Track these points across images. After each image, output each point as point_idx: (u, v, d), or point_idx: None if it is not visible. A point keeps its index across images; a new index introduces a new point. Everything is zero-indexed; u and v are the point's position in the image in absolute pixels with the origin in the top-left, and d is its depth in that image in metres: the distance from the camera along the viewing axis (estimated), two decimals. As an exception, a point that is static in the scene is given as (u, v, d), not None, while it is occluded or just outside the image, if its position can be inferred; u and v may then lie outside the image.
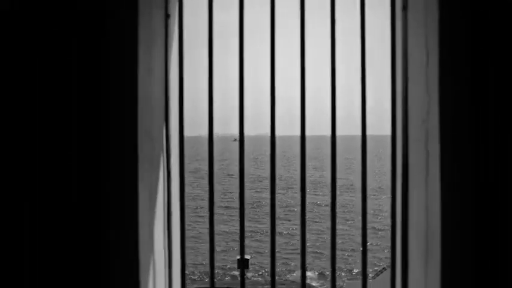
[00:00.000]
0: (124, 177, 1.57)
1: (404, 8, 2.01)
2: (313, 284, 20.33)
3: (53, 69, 1.65)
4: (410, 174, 1.93)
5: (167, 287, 1.92)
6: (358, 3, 2.07)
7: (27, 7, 1.65)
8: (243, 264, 2.31)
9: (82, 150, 1.58)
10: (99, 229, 1.58)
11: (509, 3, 1.69)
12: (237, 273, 21.13)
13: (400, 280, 1.92)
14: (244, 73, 1.96)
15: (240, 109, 1.95)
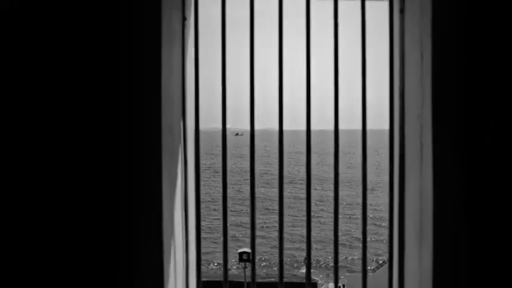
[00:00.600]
0: (150, 167, 1.75)
1: (402, 11, 2.18)
2: (314, 278, 20.54)
3: (78, 68, 1.81)
4: (406, 165, 2.11)
5: (185, 264, 2.11)
6: (359, 5, 2.24)
7: (40, 7, 1.81)
8: (253, 256, 2.41)
9: (113, 144, 1.76)
10: (131, 212, 1.76)
11: (498, 7, 1.85)
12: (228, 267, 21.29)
13: (397, 260, 2.11)
14: (254, 73, 2.14)
15: (250, 109, 2.12)
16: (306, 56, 2.18)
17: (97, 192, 1.75)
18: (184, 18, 2.10)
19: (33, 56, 1.79)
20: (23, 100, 1.79)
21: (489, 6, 1.84)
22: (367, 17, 2.29)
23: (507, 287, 1.81)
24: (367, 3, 2.26)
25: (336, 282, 2.28)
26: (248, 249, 19.13)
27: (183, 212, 2.13)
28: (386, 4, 2.25)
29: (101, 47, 1.80)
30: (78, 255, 1.77)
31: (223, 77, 2.09)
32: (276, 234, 26.61)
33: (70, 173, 1.77)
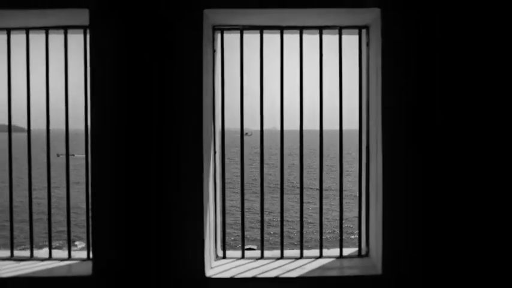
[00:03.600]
0: (197, 155, 2.64)
1: (368, 44, 3.05)
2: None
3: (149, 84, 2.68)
4: (370, 152, 2.99)
5: (214, 226, 2.99)
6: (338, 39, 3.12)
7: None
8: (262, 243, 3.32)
9: (172, 140, 2.64)
10: (189, 187, 2.64)
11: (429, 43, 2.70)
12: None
13: (365, 215, 3.01)
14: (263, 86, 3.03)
15: (260, 121, 3.00)
16: (299, 74, 3.07)
17: (165, 178, 2.64)
18: (214, 51, 2.99)
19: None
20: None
21: (424, 44, 2.71)
22: (344, 46, 3.17)
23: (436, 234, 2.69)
24: (343, 37, 3.14)
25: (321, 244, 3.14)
26: (253, 246, 20.05)
27: (214, 189, 3.01)
28: (356, 38, 3.13)
29: (163, 75, 2.68)
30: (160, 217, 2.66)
31: (242, 103, 2.98)
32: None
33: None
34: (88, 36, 2.79)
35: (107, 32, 2.65)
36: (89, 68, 2.69)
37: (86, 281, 2.72)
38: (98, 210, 2.66)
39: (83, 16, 2.75)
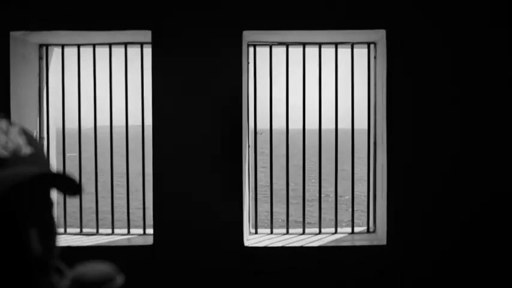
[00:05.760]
0: (241, 149, 3.29)
1: (375, 57, 3.69)
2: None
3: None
4: (377, 149, 3.63)
5: (249, 209, 3.64)
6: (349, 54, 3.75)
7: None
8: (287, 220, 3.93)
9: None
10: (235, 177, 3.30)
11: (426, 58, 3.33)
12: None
13: (373, 201, 3.64)
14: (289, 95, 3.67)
15: (286, 124, 3.64)
16: (318, 84, 3.71)
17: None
18: (248, 63, 3.64)
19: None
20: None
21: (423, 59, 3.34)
22: (356, 59, 3.81)
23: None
24: (355, 51, 3.78)
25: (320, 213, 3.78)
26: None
27: (248, 178, 3.66)
28: (365, 52, 3.77)
29: (210, 82, 3.33)
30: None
31: (271, 106, 3.63)
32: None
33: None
34: (150, 50, 3.43)
35: (166, 48, 3.31)
36: (149, 77, 3.36)
37: (147, 249, 3.38)
38: (158, 194, 3.32)
39: (144, 35, 3.41)
